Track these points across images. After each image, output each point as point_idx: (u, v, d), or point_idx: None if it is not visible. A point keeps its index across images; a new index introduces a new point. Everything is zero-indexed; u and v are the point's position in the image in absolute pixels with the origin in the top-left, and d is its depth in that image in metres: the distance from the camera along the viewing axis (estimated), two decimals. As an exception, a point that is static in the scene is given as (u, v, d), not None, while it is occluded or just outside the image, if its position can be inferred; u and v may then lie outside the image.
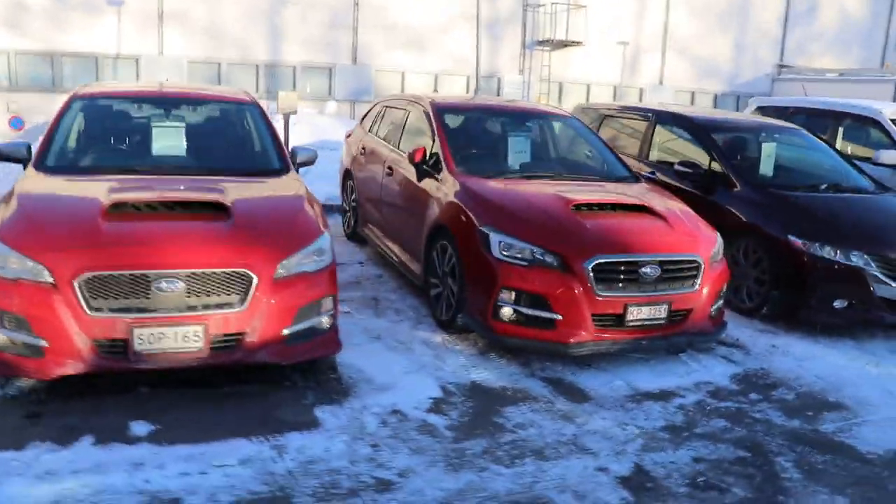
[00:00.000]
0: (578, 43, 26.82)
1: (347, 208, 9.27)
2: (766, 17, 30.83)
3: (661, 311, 5.47)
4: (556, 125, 7.82)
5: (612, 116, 9.88)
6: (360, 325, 6.16)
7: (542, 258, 5.33)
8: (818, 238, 6.73)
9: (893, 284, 6.63)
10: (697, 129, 8.37)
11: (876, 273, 6.61)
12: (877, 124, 9.72)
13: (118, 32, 22.42)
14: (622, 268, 5.35)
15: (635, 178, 7.06)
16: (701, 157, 8.09)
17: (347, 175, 9.22)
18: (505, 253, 5.39)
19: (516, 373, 5.36)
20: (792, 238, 6.80)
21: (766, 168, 8.06)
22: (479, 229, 5.58)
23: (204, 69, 23.98)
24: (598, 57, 27.65)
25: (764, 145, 8.23)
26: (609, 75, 28.08)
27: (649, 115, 9.13)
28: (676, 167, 8.00)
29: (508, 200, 5.88)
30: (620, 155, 8.58)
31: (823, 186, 7.73)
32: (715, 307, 5.85)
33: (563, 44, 26.95)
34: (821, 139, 8.97)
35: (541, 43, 26.98)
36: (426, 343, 5.82)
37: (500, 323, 5.38)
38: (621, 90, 28.32)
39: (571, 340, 5.26)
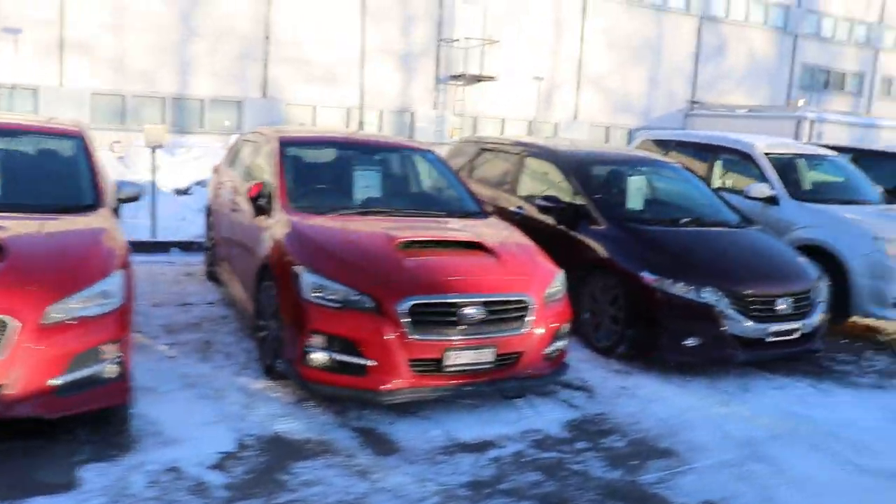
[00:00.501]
0: (491, 78, 26.86)
1: (208, 246, 8.84)
2: (679, 54, 31.44)
3: (486, 355, 5.15)
4: (410, 159, 7.53)
5: (488, 150, 9.67)
6: (179, 370, 5.73)
7: (354, 300, 4.98)
8: (670, 274, 6.54)
9: (746, 322, 6.46)
10: (561, 163, 8.17)
11: (728, 310, 6.43)
12: (749, 158, 9.66)
13: (15, 61, 21.68)
14: (440, 310, 5.02)
15: (484, 213, 6.79)
16: (566, 190, 7.89)
17: (208, 211, 8.83)
18: (316, 294, 5.02)
19: (329, 423, 4.98)
20: (644, 274, 6.59)
21: (632, 202, 7.88)
22: (292, 269, 5.22)
23: (108, 101, 23.36)
24: (513, 92, 27.77)
25: (630, 179, 8.07)
26: (524, 110, 28.18)
27: (520, 148, 8.94)
28: (537, 202, 7.79)
29: (330, 238, 5.53)
30: (487, 189, 8.42)
31: (684, 221, 7.57)
32: (552, 348, 5.56)
33: (478, 78, 27.00)
34: (692, 173, 8.87)
35: (455, 77, 26.98)
36: (243, 390, 5.41)
37: (310, 369, 5.00)
38: (536, 125, 28.44)
39: (384, 388, 4.89)
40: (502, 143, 9.51)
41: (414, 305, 4.93)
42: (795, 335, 6.73)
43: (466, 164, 9.69)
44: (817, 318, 6.90)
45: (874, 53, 37.48)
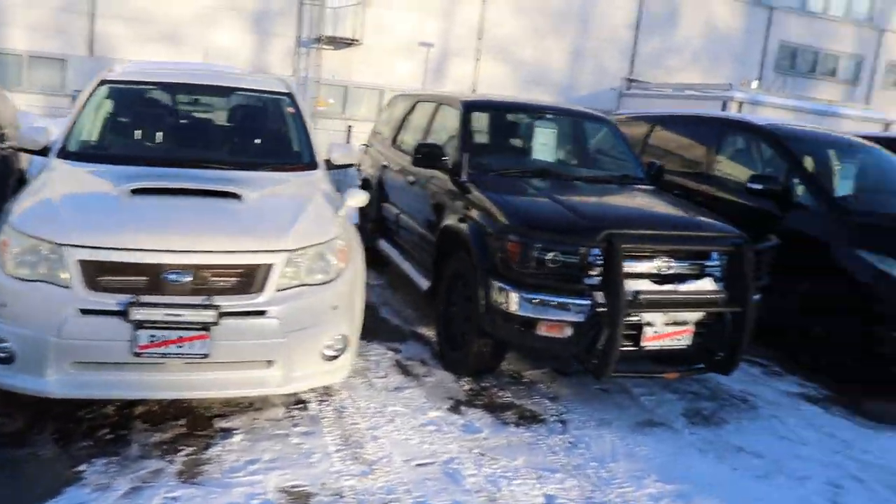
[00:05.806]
0: (359, 42, 23.52)
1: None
2: (613, 24, 27.22)
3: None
4: None
5: None
6: None
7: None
8: None
9: None
10: None
11: None
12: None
13: None
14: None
15: None
16: None
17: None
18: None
19: None
20: None
21: None
22: None
23: None
24: (394, 59, 24.31)
25: None
26: (408, 81, 24.59)
27: None
28: None
29: None
30: None
31: None
32: None
33: (348, 43, 23.70)
34: None
35: (319, 40, 23.73)
36: None
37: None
38: (421, 97, 24.82)
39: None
40: None
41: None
42: None
43: None
44: None
45: (878, 34, 31.74)
